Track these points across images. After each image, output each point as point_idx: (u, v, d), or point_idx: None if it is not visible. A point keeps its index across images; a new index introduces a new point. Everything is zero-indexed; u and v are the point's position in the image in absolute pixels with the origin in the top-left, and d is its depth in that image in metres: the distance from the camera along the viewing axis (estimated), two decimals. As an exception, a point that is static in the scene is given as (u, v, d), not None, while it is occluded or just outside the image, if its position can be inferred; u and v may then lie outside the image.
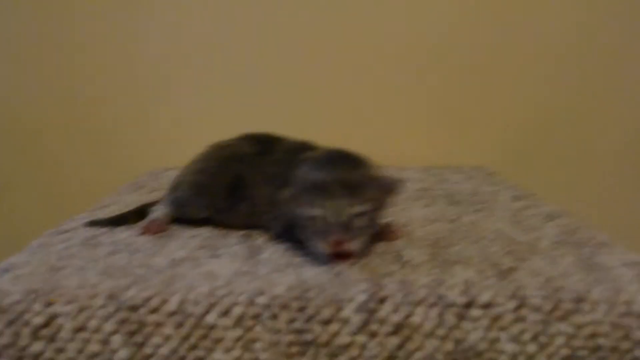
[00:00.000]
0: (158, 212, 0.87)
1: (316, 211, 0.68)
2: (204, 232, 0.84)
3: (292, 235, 0.75)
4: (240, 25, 1.39)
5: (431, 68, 1.41)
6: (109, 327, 0.60)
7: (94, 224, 0.86)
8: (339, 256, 0.67)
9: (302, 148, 0.83)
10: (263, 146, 0.86)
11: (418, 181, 1.20)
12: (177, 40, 1.40)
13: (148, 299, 0.60)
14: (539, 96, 1.42)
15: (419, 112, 1.43)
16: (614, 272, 0.66)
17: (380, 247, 0.76)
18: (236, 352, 0.60)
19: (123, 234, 0.82)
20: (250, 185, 0.83)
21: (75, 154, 1.44)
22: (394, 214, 0.91)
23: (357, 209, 0.67)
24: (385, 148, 1.38)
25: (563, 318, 0.60)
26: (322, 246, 0.67)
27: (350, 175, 0.69)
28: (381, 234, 0.79)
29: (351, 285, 0.62)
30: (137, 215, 0.88)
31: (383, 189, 0.72)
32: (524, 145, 1.44)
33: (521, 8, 1.38)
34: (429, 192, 1.09)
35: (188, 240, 0.80)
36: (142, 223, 0.84)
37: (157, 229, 0.83)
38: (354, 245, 0.67)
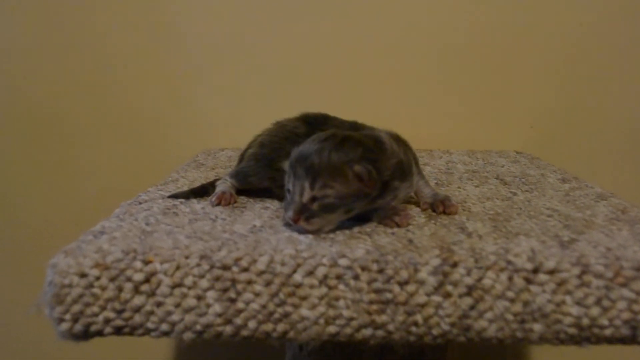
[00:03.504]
0: (225, 184, 0.92)
1: (289, 186, 0.76)
2: (274, 204, 0.89)
3: None
4: (290, 12, 1.44)
5: (471, 57, 1.45)
6: (203, 284, 0.65)
7: (176, 196, 0.91)
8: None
9: (346, 127, 0.88)
10: (313, 126, 0.91)
11: (466, 164, 1.25)
12: (228, 23, 1.46)
13: (238, 259, 0.65)
14: (577, 83, 1.46)
15: (460, 99, 1.47)
16: (670, 245, 0.70)
17: (443, 219, 0.81)
18: (321, 309, 0.64)
19: (198, 205, 0.88)
20: None
21: (133, 136, 1.51)
22: (449, 192, 0.96)
23: (315, 193, 0.73)
24: (429, 132, 1.43)
25: (624, 284, 0.64)
26: (286, 217, 0.75)
27: (321, 159, 0.74)
28: (441, 207, 0.84)
29: (424, 250, 0.67)
30: (215, 187, 0.93)
31: (358, 176, 0.74)
32: (560, 131, 1.48)
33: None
34: (478, 174, 1.14)
35: (261, 211, 0.85)
36: (214, 195, 0.89)
37: (229, 200, 0.88)
38: (308, 226, 0.74)
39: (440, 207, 0.85)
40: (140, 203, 0.88)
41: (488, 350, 1.48)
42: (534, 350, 1.55)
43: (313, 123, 0.92)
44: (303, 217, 0.73)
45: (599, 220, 0.81)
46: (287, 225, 0.76)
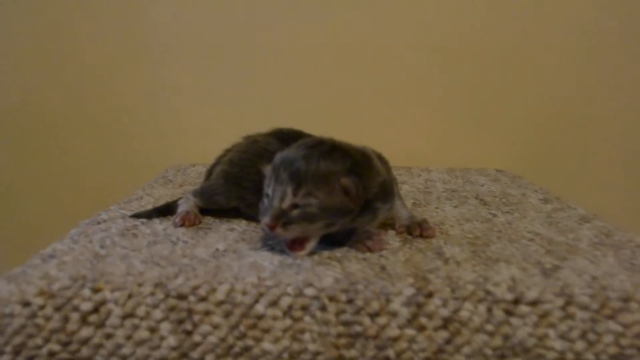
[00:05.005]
0: (188, 204, 0.87)
1: (268, 190, 0.70)
2: (241, 225, 0.84)
3: None
4: (263, 23, 1.40)
5: (451, 72, 1.42)
6: (157, 314, 0.60)
7: (138, 215, 0.86)
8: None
9: None
10: (287, 143, 0.86)
11: (445, 182, 1.20)
12: (203, 38, 1.42)
13: (196, 288, 0.60)
14: (558, 100, 1.43)
15: (440, 115, 1.43)
16: (659, 273, 0.66)
17: (419, 243, 0.76)
18: (285, 342, 0.59)
19: (160, 225, 0.83)
20: None
21: (99, 151, 1.45)
22: (426, 212, 0.91)
23: (297, 200, 0.68)
24: (407, 149, 1.39)
25: (611, 317, 0.60)
26: (262, 223, 0.69)
27: (308, 166, 0.69)
28: (418, 230, 0.79)
29: (397, 279, 0.62)
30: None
31: (345, 190, 0.69)
32: (542, 148, 1.45)
33: (540, 7, 1.38)
34: (457, 193, 1.09)
35: (226, 233, 0.80)
36: (177, 216, 0.84)
37: (193, 221, 0.83)
38: (285, 233, 0.68)
39: (417, 230, 0.80)
40: (98, 223, 0.83)
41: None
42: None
43: (286, 139, 0.87)
44: (280, 223, 0.68)
45: (583, 245, 0.77)
46: (266, 237, 0.73)
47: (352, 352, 0.59)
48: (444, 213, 0.93)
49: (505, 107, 1.43)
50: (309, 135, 0.87)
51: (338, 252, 0.72)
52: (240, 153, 0.89)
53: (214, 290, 0.60)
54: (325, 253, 0.71)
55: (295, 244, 0.70)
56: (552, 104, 1.42)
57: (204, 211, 0.88)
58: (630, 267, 0.69)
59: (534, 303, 0.60)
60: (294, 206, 0.68)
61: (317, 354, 0.59)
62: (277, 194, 0.69)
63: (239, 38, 1.40)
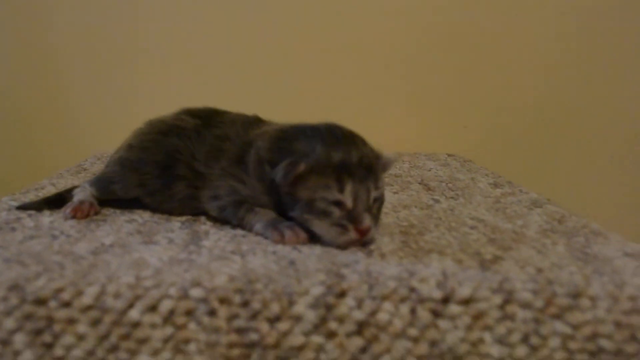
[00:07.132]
0: (84, 192, 0.76)
1: (344, 196, 0.60)
2: (143, 216, 0.73)
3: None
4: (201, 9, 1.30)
5: (402, 54, 1.34)
6: (10, 324, 0.49)
7: (25, 207, 0.75)
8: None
9: (251, 122, 0.74)
10: (203, 120, 0.76)
11: (389, 167, 1.10)
12: (133, 23, 1.33)
13: (59, 291, 0.50)
14: (512, 83, 1.36)
15: (387, 98, 1.35)
16: (615, 263, 0.57)
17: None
18: (165, 355, 0.49)
19: (48, 218, 0.71)
20: (188, 163, 0.72)
21: (17, 135, 1.34)
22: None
23: (378, 193, 0.62)
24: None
25: (558, 316, 0.51)
26: (347, 236, 0.60)
27: (368, 154, 0.62)
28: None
29: (306, 276, 0.52)
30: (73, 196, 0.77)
31: (385, 167, 0.65)
32: (496, 132, 1.38)
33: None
34: (401, 178, 1.00)
35: (123, 225, 0.69)
36: (68, 206, 0.73)
37: (87, 212, 0.72)
38: (375, 233, 0.62)
39: None
40: (-24, 216, 0.71)
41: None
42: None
43: (203, 115, 0.76)
44: (372, 224, 0.61)
45: (530, 232, 0.68)
46: (340, 247, 0.61)
47: (248, 365, 0.49)
48: (381, 200, 0.83)
49: (455, 90, 1.35)
50: (228, 112, 0.77)
51: (245, 245, 0.61)
52: (140, 135, 0.78)
53: (79, 293, 0.49)
54: (230, 246, 0.61)
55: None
56: (505, 87, 1.35)
57: (108, 202, 0.77)
58: (583, 256, 0.60)
59: (466, 302, 0.50)
60: (375, 201, 0.62)
61: (204, 368, 0.49)
62: (361, 193, 0.60)
63: (169, 21, 1.32)
